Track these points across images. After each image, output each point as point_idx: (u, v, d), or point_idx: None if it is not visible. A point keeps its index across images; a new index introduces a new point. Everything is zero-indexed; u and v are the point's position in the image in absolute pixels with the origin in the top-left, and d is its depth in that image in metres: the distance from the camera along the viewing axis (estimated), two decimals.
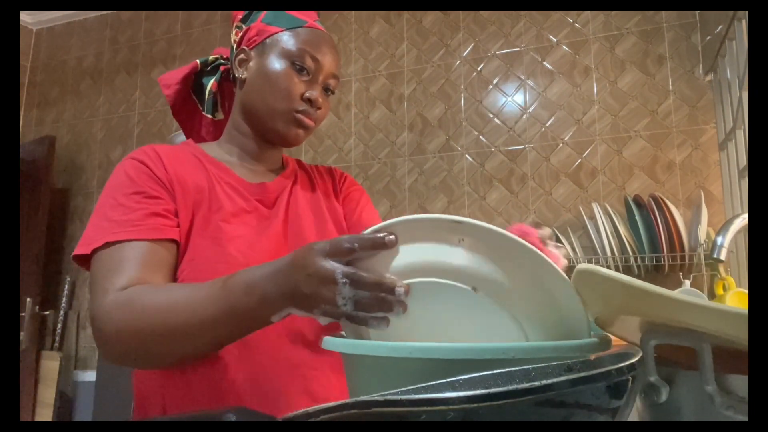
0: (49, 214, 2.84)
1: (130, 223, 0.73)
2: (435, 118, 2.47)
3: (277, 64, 0.83)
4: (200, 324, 0.63)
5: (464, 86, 2.45)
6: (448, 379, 0.41)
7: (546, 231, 0.68)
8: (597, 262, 1.94)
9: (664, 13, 2.20)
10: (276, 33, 0.84)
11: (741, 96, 1.58)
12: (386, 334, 0.53)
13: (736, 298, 1.29)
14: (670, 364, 0.46)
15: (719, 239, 1.06)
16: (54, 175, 2.95)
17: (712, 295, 1.80)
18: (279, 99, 0.82)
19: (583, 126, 2.25)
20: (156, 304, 0.66)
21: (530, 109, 2.34)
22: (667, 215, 1.86)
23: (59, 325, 2.88)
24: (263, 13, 0.87)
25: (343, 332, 0.60)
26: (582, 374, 0.34)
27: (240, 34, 0.88)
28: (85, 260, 0.74)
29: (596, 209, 1.96)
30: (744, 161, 1.63)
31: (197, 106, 0.95)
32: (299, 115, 0.83)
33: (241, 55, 0.87)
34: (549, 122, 2.30)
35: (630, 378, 0.37)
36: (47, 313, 2.86)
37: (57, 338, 2.87)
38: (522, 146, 2.32)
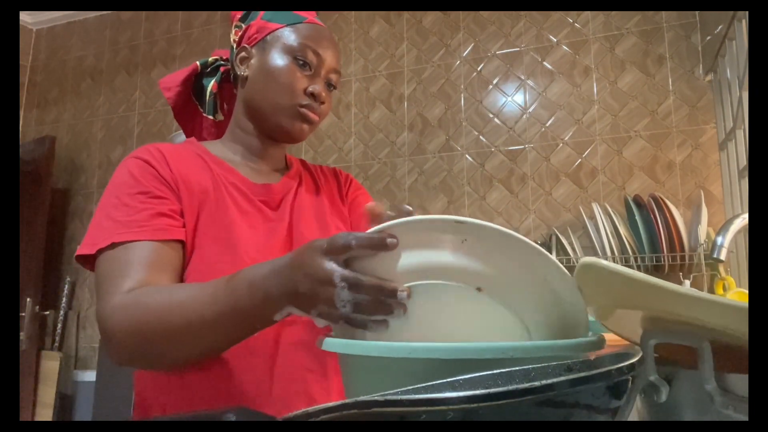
0: (49, 214, 2.84)
1: (136, 224, 0.72)
2: (435, 118, 2.47)
3: (279, 59, 0.83)
4: (206, 324, 0.63)
5: (464, 86, 2.45)
6: (448, 379, 0.41)
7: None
8: None
9: (664, 13, 2.20)
10: (277, 29, 0.84)
11: (741, 96, 1.58)
12: (386, 337, 0.52)
13: (736, 298, 1.29)
14: (670, 363, 0.46)
15: (719, 239, 1.06)
16: (54, 175, 2.94)
17: None
18: (282, 94, 0.82)
19: (583, 126, 2.25)
20: (161, 304, 0.66)
21: (530, 109, 2.34)
22: (667, 215, 1.86)
23: (59, 325, 2.88)
24: (263, 11, 0.87)
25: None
26: (582, 374, 0.34)
27: (240, 33, 0.88)
28: (88, 260, 0.74)
29: (596, 209, 1.96)
30: (744, 161, 1.63)
31: (198, 107, 0.95)
32: (303, 110, 0.82)
33: (242, 53, 0.86)
34: (549, 122, 2.30)
35: (630, 378, 0.37)
36: (47, 313, 2.86)
37: (57, 338, 2.87)
38: (522, 146, 2.32)
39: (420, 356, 0.44)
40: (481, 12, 2.47)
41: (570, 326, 0.51)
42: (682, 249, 1.85)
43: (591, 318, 0.52)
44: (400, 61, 2.57)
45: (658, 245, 1.86)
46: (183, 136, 0.99)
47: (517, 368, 0.41)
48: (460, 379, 0.41)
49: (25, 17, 3.30)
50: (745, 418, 0.39)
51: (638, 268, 1.91)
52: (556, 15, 2.36)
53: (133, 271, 0.69)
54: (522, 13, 2.40)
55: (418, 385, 0.41)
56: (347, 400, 0.34)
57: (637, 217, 1.92)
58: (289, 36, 0.83)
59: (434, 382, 0.41)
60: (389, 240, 0.50)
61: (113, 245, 0.71)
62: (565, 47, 2.33)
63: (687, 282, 1.77)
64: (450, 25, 2.52)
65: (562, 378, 0.33)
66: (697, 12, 2.15)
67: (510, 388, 0.32)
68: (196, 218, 0.77)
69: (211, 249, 0.76)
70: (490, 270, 0.49)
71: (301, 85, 0.82)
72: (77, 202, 3.06)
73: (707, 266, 1.92)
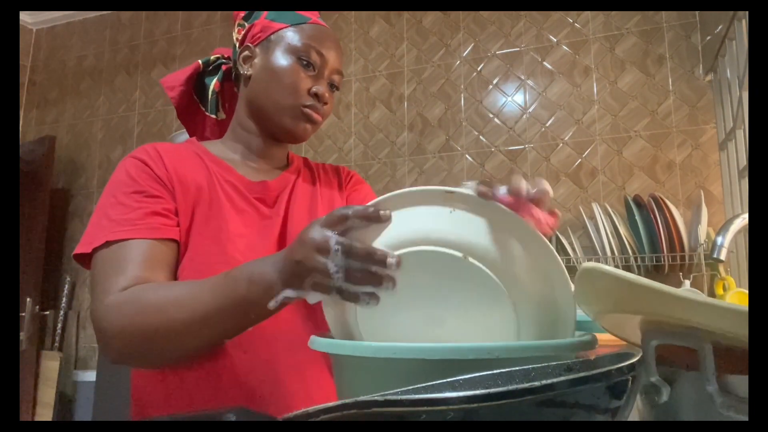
0: (49, 214, 2.84)
1: (130, 222, 0.73)
2: (435, 118, 2.47)
3: (283, 59, 0.83)
4: (203, 317, 0.64)
5: (464, 86, 2.45)
6: (448, 379, 0.41)
7: (543, 185, 0.54)
8: (597, 262, 1.94)
9: (664, 13, 2.20)
10: (281, 29, 0.84)
11: (741, 96, 1.58)
12: (377, 307, 0.54)
13: (736, 298, 1.29)
14: (671, 364, 0.46)
15: (719, 239, 1.06)
16: (54, 175, 2.95)
17: (712, 295, 1.80)
18: (286, 94, 0.82)
19: (583, 126, 2.25)
20: (158, 300, 0.66)
21: (530, 109, 2.34)
22: (667, 215, 1.86)
23: (59, 325, 2.88)
24: (266, 11, 0.87)
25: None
26: (582, 374, 0.34)
27: (243, 32, 0.88)
28: (85, 259, 0.75)
29: (596, 209, 1.96)
30: (744, 161, 1.63)
31: (199, 106, 0.95)
32: (307, 110, 0.83)
33: (246, 52, 0.86)
34: (549, 122, 2.30)
35: (630, 378, 0.37)
36: (47, 313, 2.86)
37: (57, 338, 2.87)
38: (522, 146, 2.32)
39: (404, 356, 0.45)
40: (481, 12, 2.47)
41: (555, 295, 0.52)
42: (682, 249, 1.85)
43: (584, 317, 0.53)
44: (400, 61, 2.57)
45: (658, 245, 1.86)
46: (183, 136, 0.99)
47: (517, 368, 0.41)
48: (460, 379, 0.41)
49: (25, 17, 3.30)
50: (746, 419, 0.39)
51: (638, 268, 1.91)
52: (556, 15, 2.36)
53: (127, 269, 0.70)
54: (522, 13, 2.40)
55: (418, 385, 0.41)
56: (347, 400, 0.34)
57: (637, 217, 1.92)
58: (293, 36, 0.83)
59: (434, 382, 0.41)
60: (382, 213, 0.53)
61: (108, 243, 0.72)
62: (565, 47, 2.33)
63: (687, 282, 1.77)
64: (450, 25, 2.52)
65: (562, 378, 0.33)
66: (697, 12, 2.15)
67: (510, 388, 0.32)
68: (191, 217, 0.78)
69: (205, 247, 0.76)
70: (475, 238, 0.52)
71: (305, 86, 0.83)
72: (77, 202, 3.07)
73: (707, 266, 1.92)
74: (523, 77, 2.37)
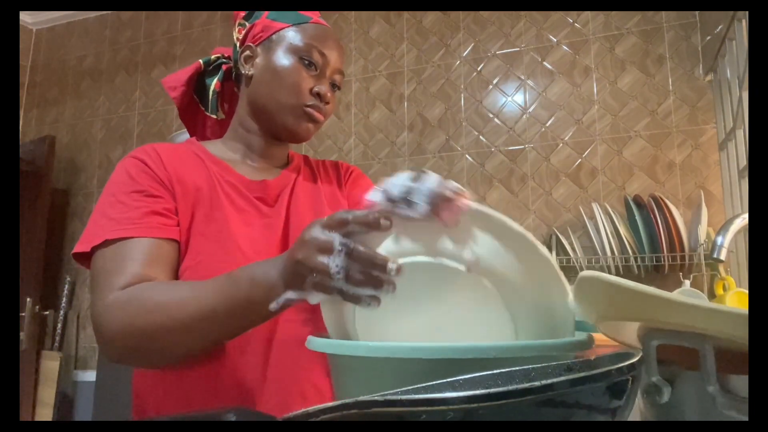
0: (49, 214, 2.83)
1: (130, 221, 0.73)
2: (435, 118, 2.47)
3: (284, 59, 0.83)
4: (205, 317, 0.63)
5: (464, 86, 2.45)
6: (448, 379, 0.41)
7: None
8: (597, 262, 1.94)
9: (664, 13, 2.20)
10: (282, 29, 0.84)
11: (741, 96, 1.58)
12: (376, 313, 0.54)
13: (736, 298, 1.29)
14: (672, 364, 0.46)
15: (719, 239, 1.05)
16: (54, 175, 2.94)
17: (712, 295, 1.80)
18: (288, 94, 0.82)
19: (583, 126, 2.25)
20: (159, 299, 0.66)
21: (530, 109, 2.33)
22: (667, 215, 1.86)
23: (59, 325, 2.88)
24: (267, 11, 0.87)
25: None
26: (582, 374, 0.34)
27: (244, 32, 0.88)
28: (84, 258, 0.74)
29: (596, 209, 1.96)
30: (744, 161, 1.62)
31: (200, 106, 0.95)
32: (309, 110, 0.83)
33: (247, 52, 0.86)
34: (549, 122, 2.30)
35: (630, 378, 0.37)
36: (47, 313, 2.85)
37: (57, 338, 2.87)
38: (522, 146, 2.32)
39: (404, 356, 0.45)
40: (481, 12, 2.47)
41: (554, 309, 0.52)
42: (682, 249, 1.85)
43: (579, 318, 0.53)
44: (400, 61, 2.57)
45: (658, 245, 1.86)
46: (183, 136, 0.98)
47: (517, 368, 0.41)
48: (460, 379, 0.41)
49: (25, 17, 3.30)
50: (747, 419, 0.39)
51: (638, 268, 1.91)
52: (556, 15, 2.36)
53: (127, 268, 0.70)
54: (522, 13, 2.40)
55: (418, 385, 0.41)
56: (347, 400, 0.34)
57: (637, 217, 1.92)
58: (295, 36, 0.83)
59: (434, 382, 0.41)
60: (383, 221, 0.53)
61: (107, 242, 0.72)
62: (565, 47, 2.33)
63: (687, 282, 1.76)
64: (450, 25, 2.52)
65: (562, 378, 0.33)
66: (697, 12, 2.15)
67: (510, 388, 0.32)
68: (191, 217, 0.77)
69: (205, 247, 0.76)
70: (478, 250, 0.52)
71: (307, 85, 0.83)
72: (77, 202, 3.06)
73: (707, 266, 1.92)
74: (523, 77, 2.37)
